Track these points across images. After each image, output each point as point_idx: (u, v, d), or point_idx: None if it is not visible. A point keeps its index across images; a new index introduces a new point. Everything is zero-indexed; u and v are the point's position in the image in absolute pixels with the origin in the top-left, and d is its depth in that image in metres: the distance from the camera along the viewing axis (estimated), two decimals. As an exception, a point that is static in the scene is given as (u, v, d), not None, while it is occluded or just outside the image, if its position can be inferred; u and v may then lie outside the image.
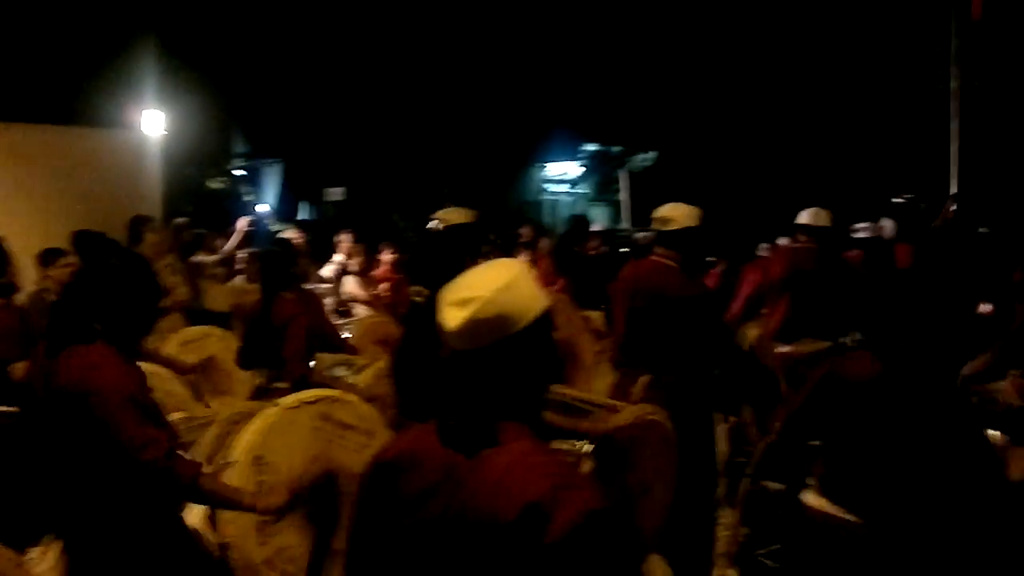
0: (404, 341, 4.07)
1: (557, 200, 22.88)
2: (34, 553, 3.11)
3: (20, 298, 5.98)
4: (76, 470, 2.86)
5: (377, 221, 16.17)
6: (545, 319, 1.89)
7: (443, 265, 3.46)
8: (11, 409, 4.38)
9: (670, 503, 4.08)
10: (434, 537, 1.83)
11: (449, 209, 5.15)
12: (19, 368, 4.29)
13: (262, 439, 3.37)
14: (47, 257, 6.69)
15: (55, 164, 9.79)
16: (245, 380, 6.54)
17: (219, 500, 2.97)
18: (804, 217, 6.23)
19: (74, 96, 12.19)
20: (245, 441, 3.35)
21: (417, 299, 3.77)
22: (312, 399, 3.62)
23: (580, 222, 10.10)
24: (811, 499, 3.45)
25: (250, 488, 3.22)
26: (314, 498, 3.44)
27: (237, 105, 18.54)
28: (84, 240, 7.53)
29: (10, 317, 4.53)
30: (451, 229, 4.91)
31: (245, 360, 5.37)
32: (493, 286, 1.85)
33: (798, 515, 3.47)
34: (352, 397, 3.82)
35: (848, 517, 3.31)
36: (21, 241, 6.32)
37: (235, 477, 3.26)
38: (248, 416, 3.53)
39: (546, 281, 7.95)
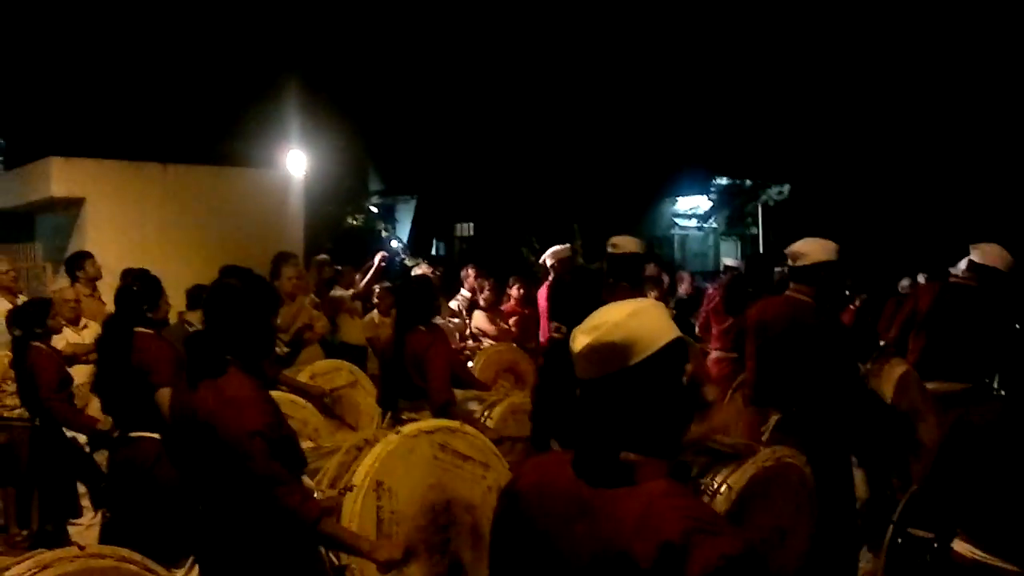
0: (542, 375, 4.09)
1: (687, 235, 22.64)
2: (179, 573, 3.25)
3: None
4: (211, 496, 2.97)
5: (506, 255, 16.37)
6: (673, 351, 1.87)
7: (582, 301, 3.47)
8: (154, 435, 4.60)
9: (807, 548, 3.96)
10: (568, 572, 1.83)
11: (622, 237, 5.71)
12: (163, 395, 4.52)
13: (382, 465, 3.45)
14: (195, 294, 7.06)
15: (207, 203, 10.36)
16: (372, 414, 6.71)
17: (339, 544, 3.00)
18: (974, 253, 5.93)
19: (225, 138, 12.87)
20: (366, 466, 3.43)
21: (556, 335, 3.79)
22: (431, 428, 3.70)
23: (758, 261, 9.70)
24: (961, 547, 3.29)
25: (371, 513, 3.29)
26: (431, 526, 3.51)
27: (373, 144, 19.16)
28: (231, 275, 7.89)
29: (163, 345, 4.78)
30: (620, 258, 5.59)
31: (384, 396, 5.48)
32: (620, 314, 1.87)
33: (947, 564, 3.31)
34: (470, 428, 3.86)
35: (1002, 565, 3.15)
36: (176, 274, 6.66)
37: (356, 501, 3.34)
38: (371, 444, 3.62)
39: (715, 320, 7.85)
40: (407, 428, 3.67)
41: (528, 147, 18.91)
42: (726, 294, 8.02)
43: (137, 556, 2.62)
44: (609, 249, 5.94)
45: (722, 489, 3.72)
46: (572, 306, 3.69)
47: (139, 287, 4.83)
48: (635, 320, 1.86)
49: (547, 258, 7.66)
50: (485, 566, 3.46)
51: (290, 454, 2.93)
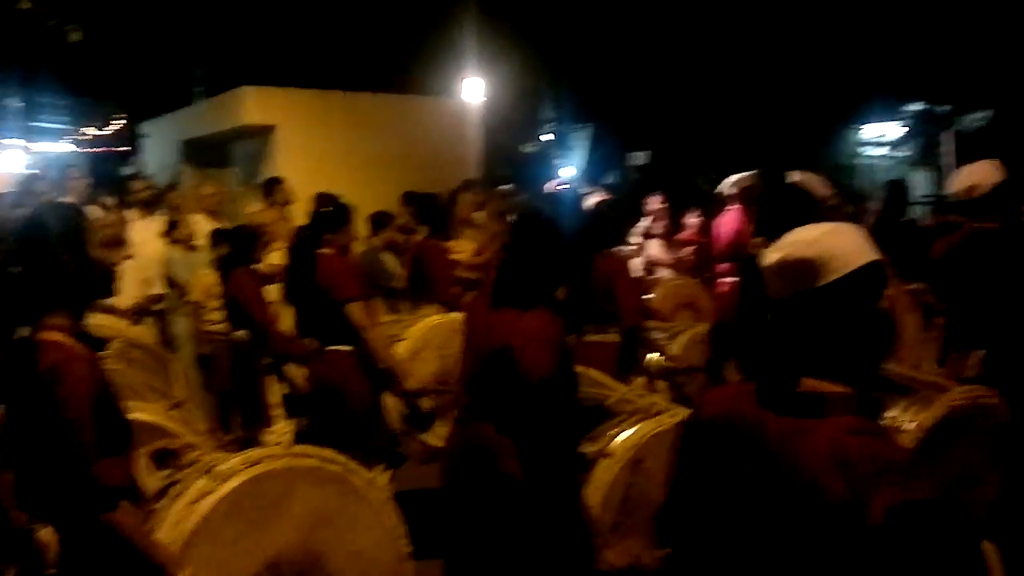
0: (740, 292, 3.96)
1: (874, 164, 21.52)
2: (374, 474, 3.39)
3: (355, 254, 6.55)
4: (491, 405, 3.00)
5: (681, 184, 16.08)
6: (870, 274, 1.79)
7: (791, 216, 3.34)
8: (347, 348, 4.83)
9: (1001, 495, 3.76)
10: (749, 504, 1.81)
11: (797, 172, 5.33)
12: (352, 309, 4.74)
13: (647, 444, 3.33)
14: (378, 219, 7.32)
15: (388, 130, 10.64)
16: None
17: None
18: None
19: (406, 66, 13.10)
20: (631, 440, 3.34)
21: (756, 250, 3.64)
22: None
23: (897, 188, 9.17)
24: None
25: (620, 487, 3.24)
26: None
27: (549, 71, 19.08)
28: (412, 200, 8.15)
29: (344, 264, 5.02)
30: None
31: (570, 321, 5.52)
32: (816, 232, 1.82)
33: None
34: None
35: None
36: (359, 199, 6.88)
37: (609, 471, 3.27)
38: (641, 412, 3.51)
39: None
40: (684, 413, 3.53)
41: (705, 74, 18.33)
42: (871, 234, 7.58)
43: (340, 457, 2.75)
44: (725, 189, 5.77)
45: (908, 427, 3.56)
46: (779, 220, 3.53)
47: (329, 212, 5.06)
48: (831, 238, 1.80)
49: (727, 187, 7.49)
50: None
51: (569, 398, 2.94)
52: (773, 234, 3.56)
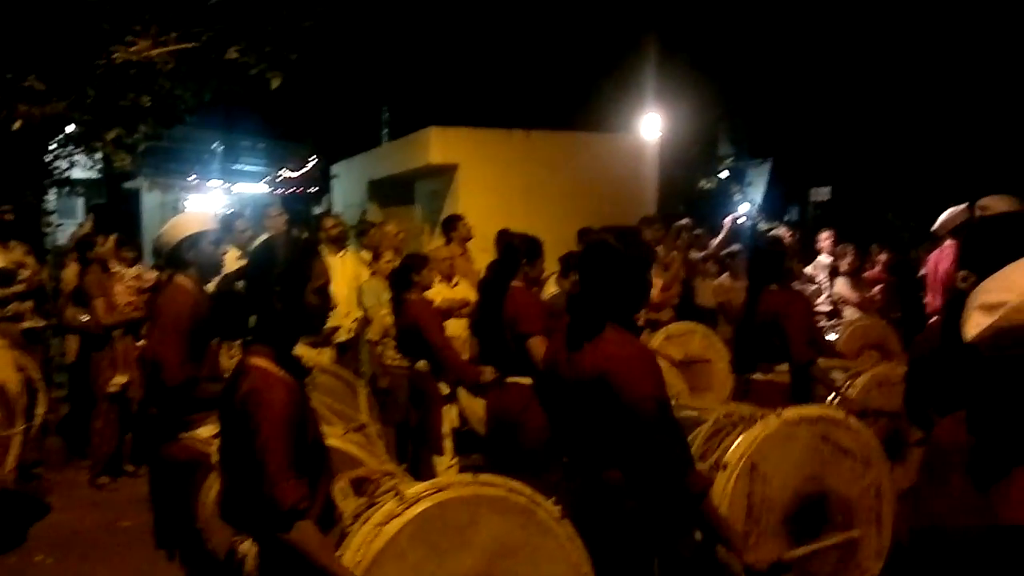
0: (943, 330, 3.74)
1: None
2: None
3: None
4: (585, 449, 3.03)
5: (868, 220, 15.43)
6: None
7: (1002, 250, 3.11)
8: (525, 381, 4.86)
9: None
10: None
11: (993, 197, 4.90)
12: (533, 343, 4.77)
13: (758, 449, 3.33)
14: (569, 261, 7.39)
15: (567, 167, 10.78)
16: (724, 377, 6.64)
17: (711, 523, 2.93)
18: None
19: (585, 103, 13.25)
20: (741, 447, 3.33)
21: (961, 285, 3.44)
22: (814, 417, 3.52)
23: None
24: None
25: (741, 496, 3.21)
26: (799, 516, 3.36)
27: (727, 107, 18.80)
28: (588, 237, 8.17)
29: (533, 298, 5.08)
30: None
31: (738, 359, 5.40)
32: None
33: None
34: (854, 422, 3.63)
35: None
36: (538, 236, 6.99)
37: (728, 481, 3.26)
38: (744, 420, 3.51)
39: None
40: (788, 413, 3.52)
41: (892, 104, 17.51)
42: None
43: (527, 488, 2.74)
44: (977, 212, 5.24)
45: None
46: (984, 255, 3.28)
47: (523, 245, 5.15)
48: None
49: (940, 223, 7.12)
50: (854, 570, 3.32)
51: (671, 415, 2.93)
52: (980, 269, 3.35)
